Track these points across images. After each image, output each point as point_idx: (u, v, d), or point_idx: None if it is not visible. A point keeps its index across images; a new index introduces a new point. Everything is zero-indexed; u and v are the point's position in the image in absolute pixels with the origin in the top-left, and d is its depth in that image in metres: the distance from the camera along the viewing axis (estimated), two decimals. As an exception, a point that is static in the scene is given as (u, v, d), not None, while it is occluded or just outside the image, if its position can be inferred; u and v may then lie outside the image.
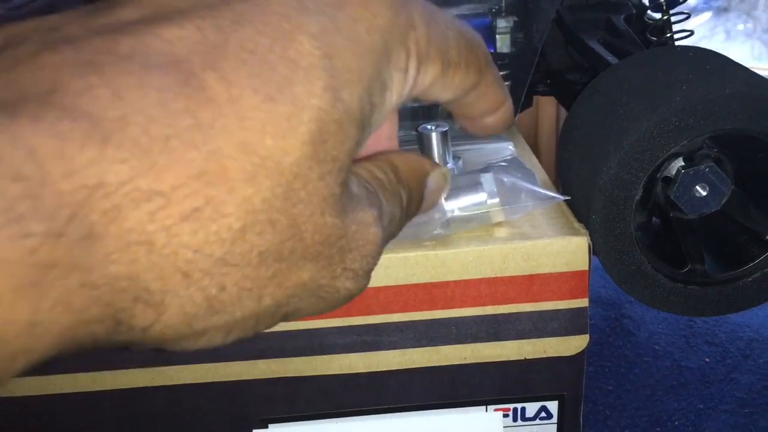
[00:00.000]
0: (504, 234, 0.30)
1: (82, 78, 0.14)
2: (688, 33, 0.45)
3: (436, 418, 0.32)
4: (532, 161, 0.38)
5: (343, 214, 0.18)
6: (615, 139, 0.29)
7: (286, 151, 0.16)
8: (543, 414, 0.33)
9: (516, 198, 0.30)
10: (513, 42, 0.42)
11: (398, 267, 0.29)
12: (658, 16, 0.44)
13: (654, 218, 0.33)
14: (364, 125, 0.18)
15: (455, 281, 0.30)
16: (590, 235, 0.30)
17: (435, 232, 0.30)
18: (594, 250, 0.30)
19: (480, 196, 0.30)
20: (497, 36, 0.42)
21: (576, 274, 0.30)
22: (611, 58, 0.39)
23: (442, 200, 0.30)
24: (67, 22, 0.16)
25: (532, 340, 0.31)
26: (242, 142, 0.15)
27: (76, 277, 0.14)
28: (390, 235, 0.21)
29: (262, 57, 0.16)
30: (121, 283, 0.15)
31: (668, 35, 0.44)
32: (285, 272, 0.17)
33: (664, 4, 0.43)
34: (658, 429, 0.42)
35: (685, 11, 0.45)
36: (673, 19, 0.44)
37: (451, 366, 0.31)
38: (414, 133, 0.42)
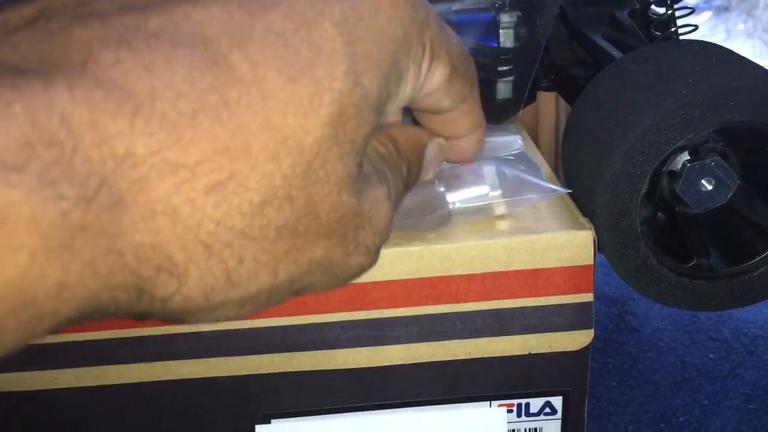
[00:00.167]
0: (509, 228, 0.30)
1: (114, 52, 0.15)
2: (693, 28, 0.45)
3: (439, 413, 0.32)
4: (536, 156, 0.38)
5: (359, 194, 0.19)
6: (620, 132, 0.29)
7: (307, 131, 0.17)
8: (547, 409, 0.32)
9: (519, 190, 0.30)
10: (516, 37, 0.41)
11: (402, 261, 0.29)
12: (661, 11, 0.44)
13: (659, 213, 0.32)
14: (380, 112, 0.19)
15: (460, 275, 0.30)
16: (595, 230, 0.30)
17: (437, 224, 0.30)
18: (599, 245, 0.30)
19: (482, 189, 0.30)
20: (501, 31, 0.42)
21: (581, 269, 0.30)
22: (615, 53, 0.39)
23: (445, 192, 0.30)
24: None
25: (536, 334, 0.30)
26: (266, 120, 0.16)
27: (104, 242, 0.14)
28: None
29: (287, 40, 0.17)
30: (146, 252, 0.15)
31: (672, 30, 0.43)
32: (300, 248, 0.18)
33: (668, -2, 0.43)
34: (662, 425, 0.42)
35: (689, 6, 0.45)
36: (677, 14, 0.44)
37: (456, 361, 0.31)
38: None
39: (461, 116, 0.23)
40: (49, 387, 0.30)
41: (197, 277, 0.16)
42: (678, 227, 0.31)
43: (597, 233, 0.30)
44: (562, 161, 0.36)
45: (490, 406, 0.32)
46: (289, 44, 0.17)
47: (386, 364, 0.31)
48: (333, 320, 0.30)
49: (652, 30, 0.44)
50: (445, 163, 0.34)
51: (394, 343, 0.30)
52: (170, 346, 0.30)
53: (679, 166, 0.30)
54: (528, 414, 0.32)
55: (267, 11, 0.17)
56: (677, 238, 0.32)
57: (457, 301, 0.30)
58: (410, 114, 0.25)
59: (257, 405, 0.31)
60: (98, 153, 0.14)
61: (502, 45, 0.42)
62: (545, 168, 0.35)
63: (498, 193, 0.30)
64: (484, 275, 0.30)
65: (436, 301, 0.30)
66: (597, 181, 0.29)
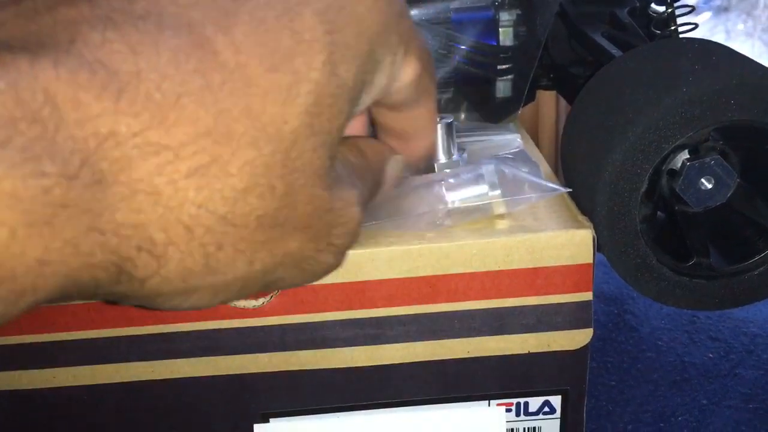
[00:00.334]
0: (507, 227, 0.30)
1: (101, 32, 0.15)
2: (693, 26, 0.44)
3: (438, 412, 0.32)
4: (536, 154, 0.38)
5: (330, 189, 0.19)
6: (620, 130, 0.29)
7: (285, 120, 0.17)
8: (546, 409, 0.32)
9: (518, 190, 0.30)
10: (516, 35, 0.41)
11: (401, 260, 0.29)
12: (661, 9, 0.44)
13: (659, 211, 0.32)
14: (355, 102, 0.19)
15: (459, 274, 0.29)
16: (594, 228, 0.29)
17: (436, 223, 0.30)
18: (598, 243, 0.30)
19: (481, 188, 0.30)
20: (500, 29, 0.41)
21: (580, 268, 0.30)
22: (615, 52, 0.39)
23: (444, 191, 0.30)
24: None
25: (535, 333, 0.30)
26: (247, 106, 0.16)
27: (86, 220, 0.14)
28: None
29: (269, 27, 0.17)
30: (127, 231, 0.15)
31: (672, 28, 0.43)
32: (277, 239, 0.18)
33: (668, -4, 0.43)
34: (661, 424, 0.42)
35: (689, 4, 0.45)
36: (677, 12, 0.44)
37: (454, 360, 0.31)
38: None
39: (423, 113, 0.24)
40: (47, 386, 0.30)
41: (177, 259, 0.16)
42: (677, 226, 0.31)
43: (596, 232, 0.29)
44: (561, 160, 0.36)
45: (489, 405, 0.32)
46: (271, 31, 0.17)
47: (385, 363, 0.31)
48: (331, 319, 0.30)
49: (652, 28, 0.44)
50: (444, 161, 0.34)
51: (393, 342, 0.30)
52: (168, 344, 0.30)
53: (679, 164, 0.30)
54: (527, 413, 0.32)
55: None
56: (677, 237, 0.31)
57: (456, 300, 0.30)
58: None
59: (256, 404, 0.31)
60: (81, 131, 0.14)
61: (501, 43, 0.41)
62: (544, 167, 0.35)
63: (497, 192, 0.30)
64: (483, 274, 0.29)
65: (435, 300, 0.30)
66: (596, 179, 0.29)
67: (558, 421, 0.33)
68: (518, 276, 0.30)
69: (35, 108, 0.14)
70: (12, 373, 0.30)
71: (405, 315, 0.30)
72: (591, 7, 0.45)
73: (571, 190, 0.31)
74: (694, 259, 0.31)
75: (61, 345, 0.30)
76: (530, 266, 0.30)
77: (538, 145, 0.42)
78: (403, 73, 0.21)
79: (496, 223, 0.30)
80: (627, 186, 0.29)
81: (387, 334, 0.30)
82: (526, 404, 0.32)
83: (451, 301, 0.30)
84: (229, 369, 0.30)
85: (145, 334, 0.30)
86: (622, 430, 0.42)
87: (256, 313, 0.30)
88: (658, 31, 0.43)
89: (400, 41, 0.20)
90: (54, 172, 0.14)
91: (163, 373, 0.30)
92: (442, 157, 0.34)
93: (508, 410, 0.32)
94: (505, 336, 0.30)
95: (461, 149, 0.35)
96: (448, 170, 0.33)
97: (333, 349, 0.30)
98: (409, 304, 0.30)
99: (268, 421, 0.32)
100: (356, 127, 0.25)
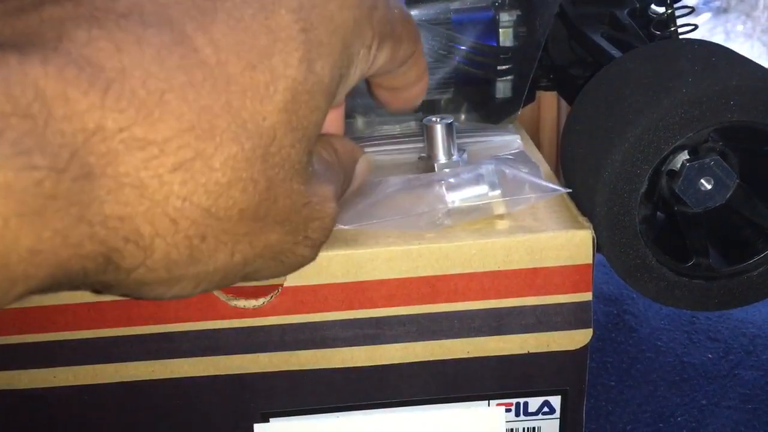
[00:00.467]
0: (507, 227, 0.30)
1: (86, 30, 0.15)
2: (692, 27, 0.45)
3: (437, 412, 0.32)
4: (536, 155, 0.38)
5: (307, 184, 0.20)
6: (620, 131, 0.29)
7: (264, 116, 0.17)
8: (545, 409, 0.32)
9: (518, 190, 0.30)
10: (516, 36, 0.41)
11: (400, 260, 0.29)
12: (661, 10, 0.44)
13: (658, 212, 0.32)
14: (331, 97, 0.20)
15: (458, 274, 0.29)
16: (594, 229, 0.30)
17: (436, 223, 0.30)
18: (598, 244, 0.30)
19: (481, 188, 0.30)
20: (500, 30, 0.42)
21: (580, 268, 0.30)
22: (615, 52, 0.39)
23: (444, 191, 0.30)
24: None
25: (535, 333, 0.30)
26: (227, 103, 0.17)
27: (75, 212, 0.15)
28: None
29: (247, 25, 0.17)
30: (114, 223, 0.16)
31: (672, 29, 0.43)
32: (257, 232, 0.19)
33: (668, -2, 0.43)
34: (660, 425, 0.42)
35: (689, 5, 0.45)
36: (676, 13, 0.44)
37: (454, 360, 0.31)
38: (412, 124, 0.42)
39: (409, 69, 0.25)
40: (47, 385, 0.30)
41: (162, 250, 0.17)
42: (677, 227, 0.31)
43: (596, 232, 0.29)
44: (561, 160, 0.36)
45: (489, 405, 0.32)
46: (248, 29, 0.17)
47: (384, 363, 0.31)
48: (331, 319, 0.30)
49: (652, 29, 0.44)
50: (444, 162, 0.34)
51: (393, 342, 0.30)
52: (169, 344, 0.30)
53: (679, 165, 0.30)
54: (526, 413, 0.32)
55: None
56: (676, 238, 0.31)
57: (456, 300, 0.30)
58: None
59: (256, 404, 0.31)
60: (69, 126, 0.15)
61: (501, 44, 0.42)
62: (544, 167, 0.35)
63: (497, 192, 0.30)
64: (482, 274, 0.30)
65: (435, 300, 0.30)
66: (596, 180, 0.29)
67: (557, 421, 0.33)
68: (518, 276, 0.30)
69: (25, 103, 0.14)
70: (12, 372, 0.30)
71: (405, 315, 0.30)
72: (591, 8, 0.45)
73: (570, 190, 0.31)
74: (694, 260, 0.31)
75: (62, 344, 0.30)
76: (530, 266, 0.30)
77: (539, 146, 0.42)
78: (378, 60, 0.22)
79: (495, 224, 0.30)
80: (626, 187, 0.29)
81: (387, 334, 0.30)
82: (526, 404, 0.32)
83: (451, 301, 0.30)
84: (229, 369, 0.30)
85: (145, 334, 0.30)
86: (622, 430, 0.42)
87: (255, 313, 0.30)
88: (658, 32, 0.43)
89: (373, 34, 0.21)
90: (44, 165, 0.14)
91: (163, 373, 0.30)
92: (442, 158, 0.34)
93: (508, 410, 0.32)
94: (505, 336, 0.30)
95: (461, 150, 0.35)
96: (448, 170, 0.33)
97: (333, 349, 0.30)
98: (408, 304, 0.30)
99: (268, 421, 0.32)
100: (332, 119, 0.25)
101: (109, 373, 0.30)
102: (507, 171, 0.31)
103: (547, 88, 0.49)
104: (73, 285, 0.17)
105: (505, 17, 0.41)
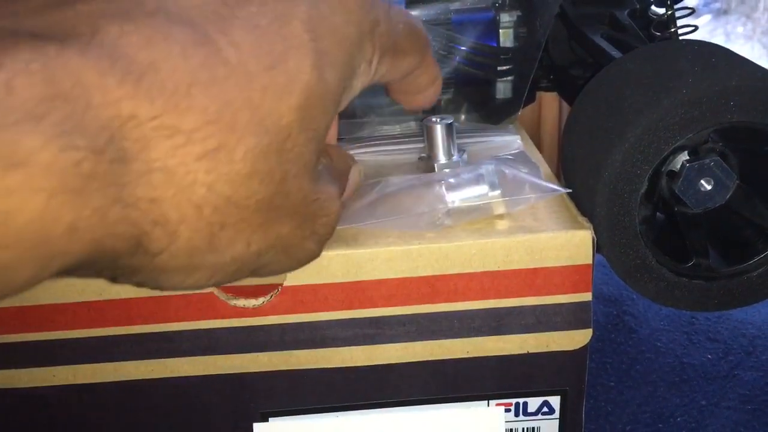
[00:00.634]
0: (507, 227, 0.30)
1: (118, 26, 0.16)
2: (693, 28, 0.45)
3: (437, 412, 0.32)
4: (536, 155, 0.38)
5: (315, 182, 0.21)
6: (620, 131, 0.29)
7: (281, 114, 0.18)
8: (545, 409, 0.32)
9: (518, 190, 0.30)
10: (516, 36, 0.41)
11: (400, 259, 0.29)
12: (662, 11, 0.44)
13: (658, 213, 0.32)
14: (338, 104, 0.21)
15: (458, 274, 0.30)
16: (594, 229, 0.30)
17: (436, 223, 0.30)
18: (598, 244, 0.30)
19: (482, 188, 0.30)
20: (500, 30, 0.42)
21: (579, 268, 0.30)
22: (615, 53, 0.39)
23: (444, 191, 0.30)
24: None
25: (534, 334, 0.30)
26: (248, 99, 0.18)
27: (111, 192, 0.16)
28: None
29: (263, 32, 0.18)
30: (145, 205, 0.17)
31: (672, 30, 0.43)
32: (271, 223, 0.20)
33: (668, -1, 0.43)
34: (660, 425, 0.42)
35: (689, 6, 0.45)
36: (677, 14, 0.44)
37: (454, 360, 0.31)
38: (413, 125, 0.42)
39: (418, 77, 0.26)
40: (47, 384, 0.30)
41: (186, 237, 0.18)
42: (677, 227, 0.31)
43: (596, 233, 0.29)
44: (561, 161, 0.36)
45: (488, 405, 0.32)
46: (265, 35, 0.18)
47: (384, 363, 0.31)
48: (331, 318, 0.30)
49: (652, 30, 0.44)
50: (444, 162, 0.34)
51: (392, 342, 0.30)
52: (168, 343, 0.30)
53: (679, 165, 0.30)
54: (526, 413, 0.32)
55: (243, 5, 0.18)
56: (676, 238, 0.31)
57: (456, 300, 0.30)
58: None
59: (255, 403, 0.31)
60: (106, 112, 0.16)
61: (501, 44, 0.42)
62: (544, 168, 0.35)
63: (497, 192, 0.30)
64: (482, 274, 0.30)
65: (434, 300, 0.30)
66: (596, 180, 0.29)
67: (557, 422, 0.33)
68: (518, 276, 0.30)
69: (66, 88, 0.15)
70: (12, 371, 0.30)
71: (404, 315, 0.30)
72: (591, 9, 0.45)
73: (570, 190, 0.31)
74: (694, 260, 0.31)
75: (61, 343, 0.30)
76: (530, 267, 0.30)
77: (539, 147, 0.42)
78: (380, 71, 0.23)
79: (495, 224, 0.30)
80: (627, 187, 0.29)
81: (386, 334, 0.30)
82: (525, 404, 0.32)
83: (451, 301, 0.30)
84: (228, 368, 0.30)
85: (144, 333, 0.30)
86: (621, 430, 0.42)
87: (255, 313, 0.30)
88: (658, 33, 0.43)
89: (374, 50, 0.22)
90: (84, 147, 0.15)
91: (162, 372, 0.30)
92: (442, 158, 0.34)
93: (507, 410, 0.32)
94: (505, 336, 0.30)
95: (461, 150, 0.35)
96: (448, 170, 0.33)
97: (332, 349, 0.30)
98: (408, 303, 0.30)
99: (267, 420, 0.32)
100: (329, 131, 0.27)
101: (109, 372, 0.30)
102: (507, 171, 0.31)
103: (547, 89, 0.49)
104: (100, 268, 0.18)
105: (505, 18, 0.41)
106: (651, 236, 0.31)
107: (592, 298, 0.30)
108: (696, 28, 0.45)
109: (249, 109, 0.18)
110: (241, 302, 0.29)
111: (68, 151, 0.15)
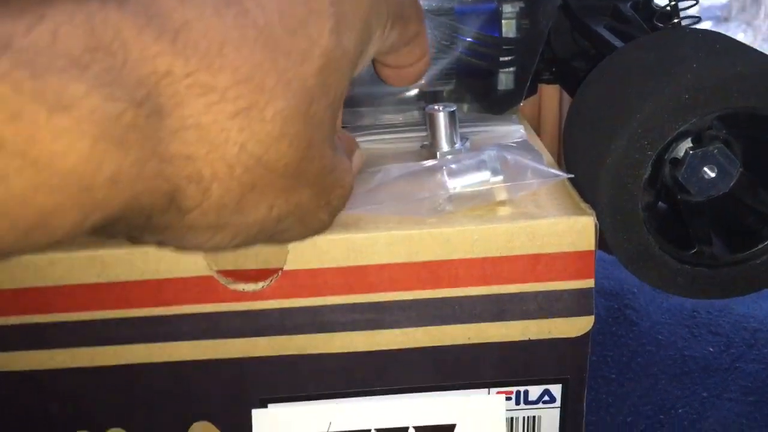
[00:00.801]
0: (509, 213, 0.30)
1: None
2: (696, 19, 0.44)
3: (437, 399, 0.32)
4: (539, 145, 0.38)
5: (334, 152, 0.21)
6: (623, 117, 0.29)
7: (305, 77, 0.19)
8: (546, 398, 0.32)
9: (520, 176, 0.30)
10: (519, 28, 0.41)
11: (401, 245, 0.29)
12: (664, 2, 0.44)
13: (661, 201, 0.32)
14: (354, 68, 0.21)
15: (459, 260, 0.29)
16: (597, 216, 0.29)
17: (438, 208, 0.30)
18: (600, 230, 0.30)
19: (483, 174, 0.30)
20: (503, 21, 0.41)
21: (582, 255, 0.29)
22: (618, 44, 0.38)
23: (446, 176, 0.30)
24: None
25: (537, 320, 0.30)
26: (275, 61, 0.18)
27: (149, 145, 0.16)
28: None
29: None
30: (180, 161, 0.17)
31: (675, 21, 0.43)
32: (294, 189, 0.20)
33: (671, -10, 0.43)
34: (661, 416, 0.42)
35: (694, 16, 0.45)
36: (679, 6, 0.44)
37: (455, 346, 0.31)
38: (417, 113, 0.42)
39: (413, 48, 0.26)
40: (45, 367, 0.30)
41: (218, 195, 0.18)
42: (680, 215, 0.31)
43: (599, 219, 0.29)
44: (563, 148, 0.35)
45: (489, 393, 0.32)
46: (286, 1, 0.19)
47: (384, 349, 0.30)
48: (331, 303, 0.30)
49: (655, 21, 0.44)
50: (446, 150, 0.34)
51: (393, 328, 0.30)
52: (167, 327, 0.30)
53: (682, 153, 0.30)
54: (527, 402, 0.32)
55: None
56: (679, 226, 0.31)
57: (457, 286, 0.30)
58: None
59: (254, 389, 0.31)
60: (143, 67, 0.16)
61: (504, 35, 0.41)
62: (547, 156, 0.35)
63: (499, 178, 0.30)
64: (484, 260, 0.29)
65: (436, 286, 0.30)
66: (599, 166, 0.29)
67: (558, 411, 0.32)
68: (519, 262, 0.30)
69: (107, 41, 0.15)
70: (9, 353, 0.30)
71: (405, 300, 0.30)
72: (593, 0, 0.45)
73: (573, 175, 0.31)
74: (697, 248, 0.31)
75: (60, 326, 0.30)
76: (531, 252, 0.29)
77: (540, 139, 0.41)
78: (391, 38, 0.24)
79: (497, 210, 0.30)
80: (630, 172, 0.29)
81: (387, 320, 0.30)
82: (526, 392, 0.32)
83: (452, 287, 0.30)
84: (227, 353, 0.30)
85: (143, 317, 0.30)
86: (622, 422, 0.42)
87: (255, 297, 0.29)
88: (661, 25, 0.43)
89: (387, 15, 0.23)
90: (124, 98, 0.15)
91: (161, 356, 0.30)
92: (444, 146, 0.34)
93: (508, 398, 0.32)
94: (506, 322, 0.30)
95: (464, 138, 0.35)
96: (450, 157, 0.33)
97: (332, 334, 0.30)
98: (409, 289, 0.30)
99: (266, 407, 0.31)
100: None
101: (108, 356, 0.30)
102: (509, 157, 0.31)
103: (549, 81, 0.49)
104: (134, 224, 0.18)
105: (508, 8, 0.41)
106: (654, 224, 0.31)
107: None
108: (699, 19, 0.45)
109: (276, 72, 0.18)
110: (241, 286, 0.29)
111: (110, 102, 0.15)
